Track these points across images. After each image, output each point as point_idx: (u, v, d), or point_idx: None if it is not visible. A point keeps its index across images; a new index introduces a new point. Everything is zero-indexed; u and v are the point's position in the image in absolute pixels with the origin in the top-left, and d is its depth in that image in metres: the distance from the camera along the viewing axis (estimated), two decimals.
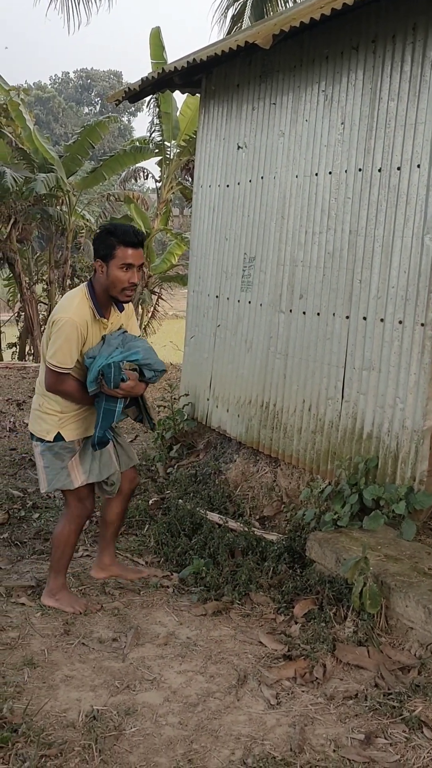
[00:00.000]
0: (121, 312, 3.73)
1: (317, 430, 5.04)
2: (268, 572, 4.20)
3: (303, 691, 3.18)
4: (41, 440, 3.70)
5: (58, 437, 3.67)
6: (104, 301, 3.59)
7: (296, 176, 5.22)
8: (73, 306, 3.51)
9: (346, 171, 4.77)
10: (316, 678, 3.27)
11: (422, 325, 4.25)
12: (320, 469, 5.00)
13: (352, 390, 4.75)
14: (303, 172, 5.16)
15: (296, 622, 3.73)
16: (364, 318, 4.65)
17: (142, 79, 6.11)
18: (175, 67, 5.71)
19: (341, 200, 4.82)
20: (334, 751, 2.76)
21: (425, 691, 3.10)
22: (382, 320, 4.52)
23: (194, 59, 5.44)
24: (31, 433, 3.77)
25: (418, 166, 4.21)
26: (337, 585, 3.85)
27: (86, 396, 3.62)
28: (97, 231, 3.58)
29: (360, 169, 4.65)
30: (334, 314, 4.90)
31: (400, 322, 4.39)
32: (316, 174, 5.03)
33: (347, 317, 4.79)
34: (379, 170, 4.50)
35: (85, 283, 3.62)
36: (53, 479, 3.71)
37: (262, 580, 4.14)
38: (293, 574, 4.17)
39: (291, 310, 5.31)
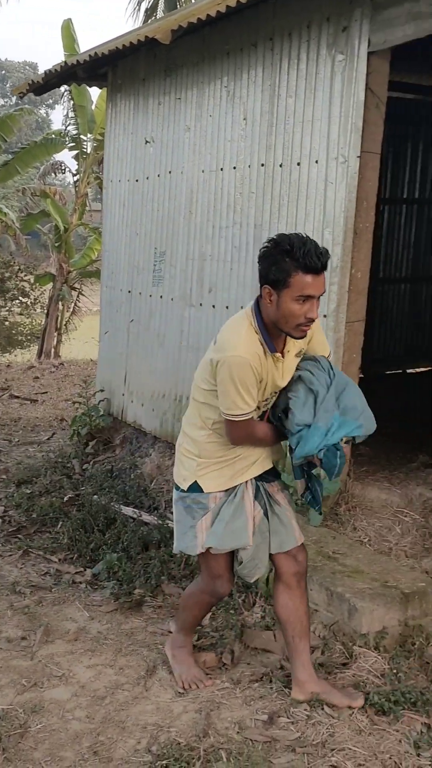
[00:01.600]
0: None
1: None
2: (180, 563, 4.25)
3: (211, 678, 3.25)
4: (177, 487, 3.07)
5: (195, 487, 2.99)
6: (276, 330, 2.80)
7: (202, 171, 5.27)
8: (242, 340, 2.75)
9: (249, 166, 4.85)
10: (224, 664, 3.34)
11: (325, 316, 4.36)
12: None
13: None
14: (209, 167, 5.21)
15: None
16: None
17: (45, 71, 6.06)
18: (77, 60, 5.68)
19: (246, 195, 4.89)
20: (238, 732, 2.84)
21: (327, 669, 3.21)
22: None
23: (96, 53, 5.42)
24: None
25: (316, 161, 4.32)
26: None
27: (278, 437, 2.99)
28: (267, 244, 2.74)
29: (262, 165, 4.73)
30: (242, 307, 4.94)
31: None
32: (221, 169, 5.09)
33: None
34: (281, 166, 4.59)
35: (250, 307, 2.84)
36: (180, 537, 3.09)
37: (174, 572, 4.19)
38: None
39: (201, 304, 5.36)
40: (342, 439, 2.81)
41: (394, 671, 3.20)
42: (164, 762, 2.62)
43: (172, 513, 5.09)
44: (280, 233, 2.78)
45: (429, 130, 7.75)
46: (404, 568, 3.83)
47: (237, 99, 4.90)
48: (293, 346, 2.87)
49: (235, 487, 2.98)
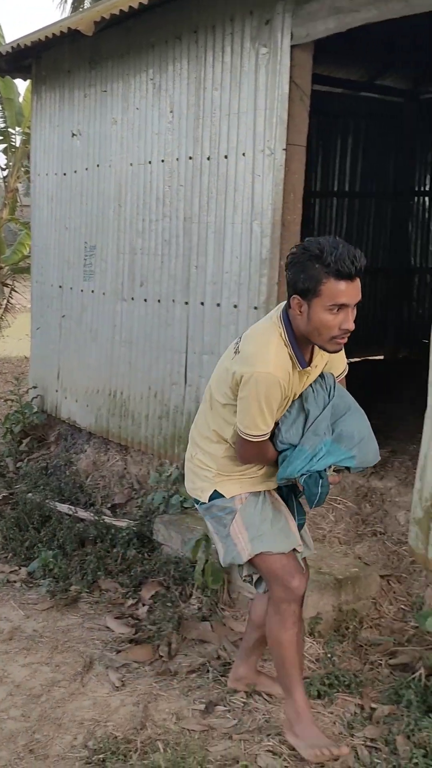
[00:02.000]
0: None
1: (163, 415, 5.12)
2: (117, 558, 4.24)
3: (148, 671, 3.26)
4: (197, 501, 2.80)
5: (216, 495, 2.72)
6: (306, 343, 2.54)
7: (131, 164, 5.25)
8: (272, 355, 2.48)
9: (177, 159, 4.84)
10: (161, 656, 3.35)
11: (255, 308, 4.39)
12: (168, 453, 5.08)
13: (194, 374, 4.85)
14: (137, 160, 5.19)
15: (144, 605, 3.80)
16: (202, 303, 4.75)
17: None
18: None
19: (174, 188, 4.89)
20: (175, 723, 2.85)
21: (263, 657, 3.24)
22: (218, 305, 4.64)
23: (18, 44, 5.33)
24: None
25: (243, 154, 4.34)
26: (182, 565, 3.95)
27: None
28: (294, 250, 2.48)
29: (190, 158, 4.74)
30: (173, 300, 4.98)
31: (235, 306, 4.53)
32: (150, 162, 5.07)
33: (186, 303, 4.88)
34: (208, 158, 4.60)
35: (277, 315, 2.55)
36: (223, 550, 2.75)
37: (110, 567, 4.18)
38: (142, 558, 4.23)
39: (133, 298, 5.34)
40: (330, 467, 2.61)
41: (329, 655, 3.27)
42: (101, 756, 2.62)
43: (108, 508, 5.11)
44: (309, 238, 2.47)
45: (358, 124, 7.88)
46: (338, 555, 3.90)
47: (163, 91, 4.88)
48: (320, 359, 2.64)
49: (259, 491, 2.74)
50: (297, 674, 2.70)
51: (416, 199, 8.36)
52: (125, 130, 5.26)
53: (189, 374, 4.89)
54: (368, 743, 2.73)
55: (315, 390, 2.63)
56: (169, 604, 3.71)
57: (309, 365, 2.57)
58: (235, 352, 2.58)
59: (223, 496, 2.70)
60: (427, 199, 8.35)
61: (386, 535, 4.08)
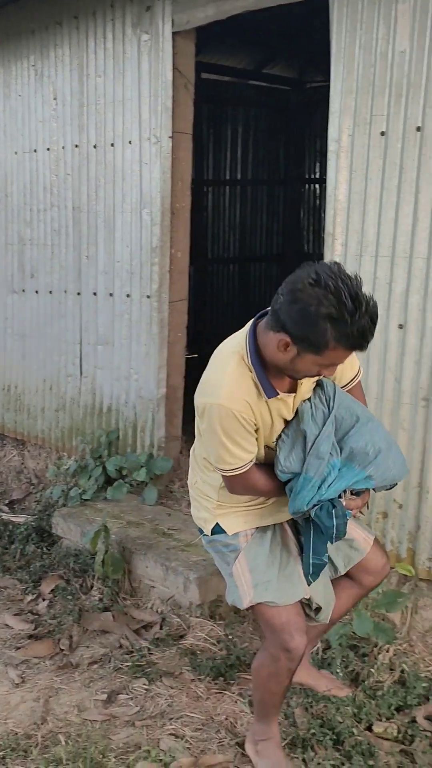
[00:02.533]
0: None
1: (60, 408, 5.05)
2: (16, 555, 4.17)
3: (49, 665, 3.22)
4: (201, 531, 2.50)
5: (218, 529, 2.41)
6: (278, 370, 2.14)
7: (15, 153, 5.13)
8: (225, 383, 2.12)
9: (63, 147, 4.77)
10: (62, 650, 3.32)
11: (148, 297, 4.39)
12: (66, 446, 5.02)
13: (90, 365, 4.81)
14: (22, 148, 5.07)
15: (44, 599, 3.75)
16: (95, 293, 4.71)
17: None
18: None
19: (62, 177, 4.81)
20: (77, 715, 2.84)
21: (166, 643, 3.27)
22: (111, 295, 4.61)
23: None
24: None
25: (130, 142, 4.32)
26: (82, 557, 3.92)
27: (282, 487, 2.28)
28: (307, 294, 1.93)
29: (76, 146, 4.67)
30: (65, 291, 4.91)
31: (128, 296, 4.51)
32: (35, 150, 4.97)
33: (78, 294, 4.82)
34: (95, 147, 4.55)
35: (245, 335, 2.18)
36: (227, 589, 2.46)
37: (8, 564, 4.10)
38: (41, 553, 4.17)
39: (24, 290, 5.24)
40: (346, 492, 2.25)
41: (230, 637, 3.31)
42: (0, 754, 2.58)
43: (6, 505, 5.01)
44: (319, 268, 1.96)
45: (248, 112, 7.94)
46: None
47: (46, 78, 4.79)
48: (310, 381, 2.24)
49: (267, 525, 2.43)
50: (276, 712, 2.55)
51: (307, 186, 8.52)
52: (8, 118, 5.14)
53: (84, 365, 4.84)
54: None
55: (313, 405, 2.24)
56: (69, 597, 3.68)
57: (287, 391, 2.18)
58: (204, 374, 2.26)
59: (225, 532, 2.40)
60: (317, 186, 8.52)
61: None
